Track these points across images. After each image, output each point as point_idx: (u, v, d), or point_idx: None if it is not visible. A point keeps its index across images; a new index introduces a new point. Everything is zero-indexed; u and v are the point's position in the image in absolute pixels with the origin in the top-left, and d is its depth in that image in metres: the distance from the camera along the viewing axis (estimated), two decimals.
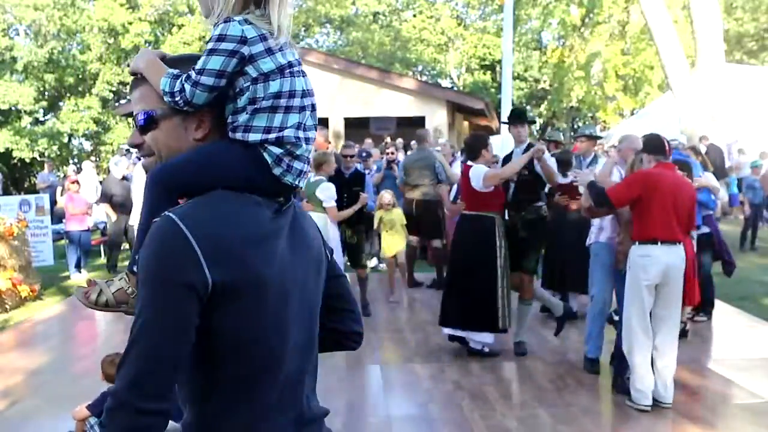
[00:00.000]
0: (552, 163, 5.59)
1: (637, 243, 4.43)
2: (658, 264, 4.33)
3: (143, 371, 1.17)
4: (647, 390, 4.41)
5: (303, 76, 1.35)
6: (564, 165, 6.25)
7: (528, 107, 34.33)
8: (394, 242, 7.69)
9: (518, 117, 5.78)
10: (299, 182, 1.36)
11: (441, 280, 7.91)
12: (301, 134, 1.34)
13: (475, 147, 5.64)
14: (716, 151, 13.66)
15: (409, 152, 10.32)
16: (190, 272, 1.18)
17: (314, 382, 1.45)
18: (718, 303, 6.93)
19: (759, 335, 6.31)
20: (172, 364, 1.19)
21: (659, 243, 4.33)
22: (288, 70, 1.32)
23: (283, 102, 1.31)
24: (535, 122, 5.86)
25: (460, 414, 4.45)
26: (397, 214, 7.69)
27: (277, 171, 1.32)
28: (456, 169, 8.18)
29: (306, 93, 1.35)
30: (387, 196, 7.67)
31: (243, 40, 1.28)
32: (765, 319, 6.78)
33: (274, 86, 1.30)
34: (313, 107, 1.37)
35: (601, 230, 5.18)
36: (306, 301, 1.37)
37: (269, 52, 1.29)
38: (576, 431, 4.18)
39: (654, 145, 4.54)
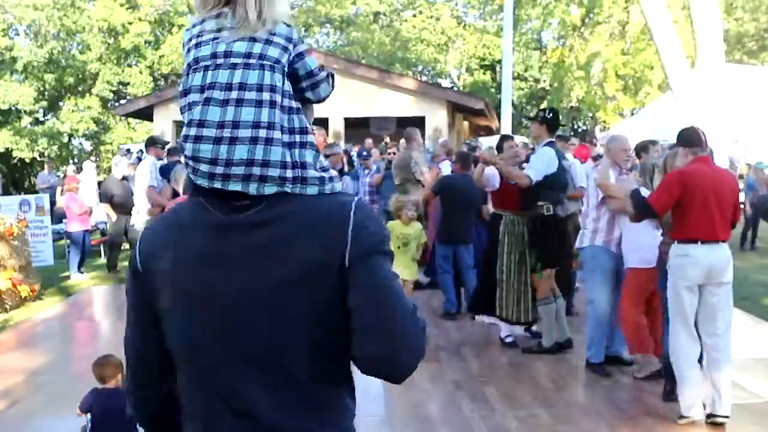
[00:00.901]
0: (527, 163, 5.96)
1: (676, 242, 4.18)
2: (698, 265, 4.07)
3: None
4: (697, 400, 4.14)
5: (208, 70, 1.26)
6: None
7: (528, 107, 34.35)
8: (407, 268, 5.91)
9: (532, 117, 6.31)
10: (215, 183, 1.24)
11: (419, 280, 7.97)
12: (191, 132, 1.25)
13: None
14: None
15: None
16: (132, 261, 1.37)
17: (280, 399, 1.27)
18: None
19: (759, 335, 6.31)
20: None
21: (699, 242, 4.07)
22: (193, 66, 1.29)
23: (183, 101, 1.30)
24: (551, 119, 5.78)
25: (460, 414, 4.45)
26: (416, 231, 6.00)
27: (191, 175, 1.28)
28: (446, 169, 8.17)
29: (207, 87, 1.26)
30: (409, 204, 6.07)
31: (186, 43, 1.34)
32: (765, 319, 6.78)
33: (181, 86, 1.31)
34: (239, 101, 1.23)
35: (595, 233, 5.11)
36: (260, 310, 1.24)
37: (188, 51, 1.30)
38: (576, 431, 4.18)
39: (689, 137, 4.33)
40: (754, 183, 11.65)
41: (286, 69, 1.30)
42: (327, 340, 1.27)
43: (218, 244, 1.26)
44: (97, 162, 24.54)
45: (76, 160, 25.95)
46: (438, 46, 35.11)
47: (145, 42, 28.28)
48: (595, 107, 25.88)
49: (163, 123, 18.98)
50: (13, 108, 24.80)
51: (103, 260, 10.75)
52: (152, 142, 8.42)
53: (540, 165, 5.48)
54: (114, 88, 28.13)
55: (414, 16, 35.62)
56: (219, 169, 1.23)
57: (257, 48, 1.27)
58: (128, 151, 16.60)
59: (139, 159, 11.42)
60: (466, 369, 5.35)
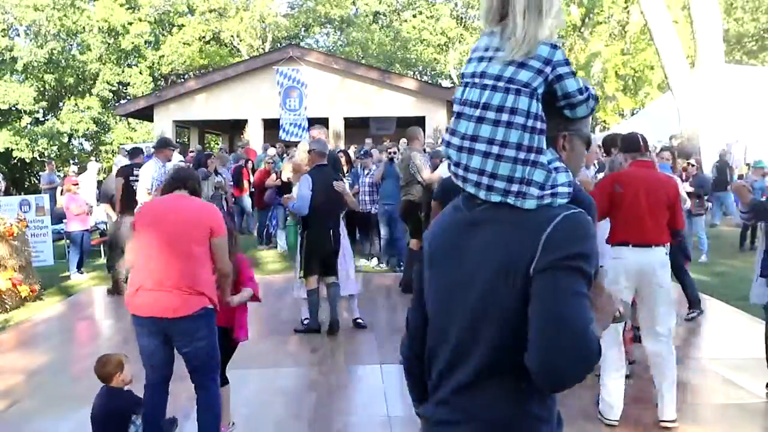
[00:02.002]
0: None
1: (611, 246, 4.16)
2: (628, 268, 4.04)
3: None
4: (614, 402, 4.13)
5: (467, 86, 1.49)
6: None
7: None
8: None
9: None
10: (458, 181, 1.51)
11: (409, 282, 7.96)
12: (454, 140, 1.49)
13: None
14: (694, 149, 13.74)
15: None
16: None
17: (460, 382, 1.45)
18: (717, 303, 6.93)
19: (758, 335, 6.29)
20: None
21: (630, 245, 4.04)
22: (461, 81, 1.53)
23: (455, 108, 1.53)
24: None
25: None
26: None
27: (453, 177, 1.53)
28: (441, 171, 8.16)
29: (462, 102, 1.49)
30: None
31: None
32: (762, 318, 6.78)
33: (455, 94, 1.54)
34: (480, 119, 1.45)
35: None
36: (464, 293, 1.45)
37: (467, 62, 1.52)
38: None
39: (627, 142, 4.35)
40: (753, 183, 11.64)
41: (538, 91, 1.44)
42: (507, 336, 1.38)
43: (457, 236, 1.50)
44: (98, 162, 24.52)
45: (76, 160, 25.96)
46: (438, 47, 35.11)
47: (145, 42, 28.29)
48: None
49: (163, 123, 18.98)
50: (13, 108, 24.81)
51: (103, 260, 10.75)
52: (165, 144, 8.24)
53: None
54: (114, 88, 28.13)
55: (414, 16, 35.62)
56: (460, 172, 1.49)
57: (508, 72, 1.43)
58: (135, 150, 16.56)
59: (148, 157, 11.41)
60: None
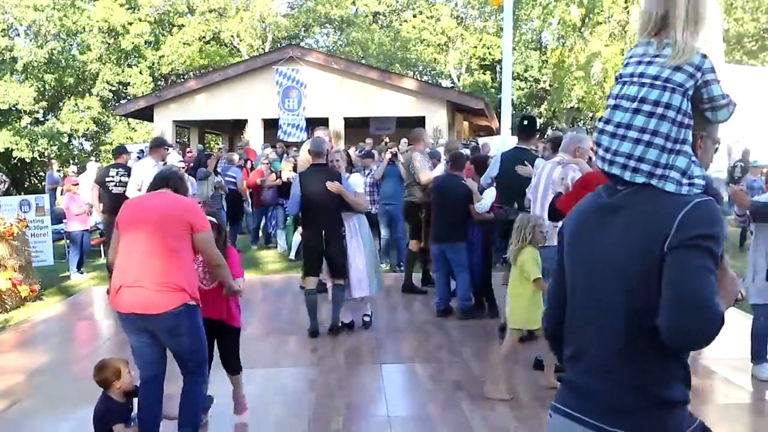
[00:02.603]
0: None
1: None
2: None
3: None
4: None
5: (625, 84, 1.73)
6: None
7: (528, 107, 34.34)
8: (523, 309, 4.69)
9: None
10: (604, 166, 1.72)
11: (409, 283, 8.01)
12: (608, 128, 1.72)
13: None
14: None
15: None
16: None
17: (604, 351, 1.63)
18: None
19: None
20: None
21: None
22: (619, 80, 1.78)
23: (610, 102, 1.77)
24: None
25: (460, 414, 4.45)
26: (530, 255, 4.64)
27: (598, 160, 1.76)
28: (437, 171, 8.18)
29: (619, 96, 1.73)
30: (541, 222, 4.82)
31: None
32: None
33: (611, 90, 1.79)
34: (635, 111, 1.68)
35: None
36: (604, 270, 1.65)
37: (625, 65, 1.78)
38: None
39: None
40: (753, 183, 11.64)
41: (689, 92, 1.68)
42: (642, 309, 1.57)
43: (598, 219, 1.71)
44: (98, 161, 24.51)
45: (76, 160, 25.96)
46: (438, 47, 35.11)
47: (145, 42, 28.29)
48: (595, 107, 25.87)
49: (163, 123, 18.98)
50: (13, 108, 24.80)
51: (102, 260, 10.75)
52: (160, 143, 8.26)
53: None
54: (114, 88, 28.12)
55: (414, 16, 35.61)
56: (608, 156, 1.71)
57: (665, 73, 1.67)
58: (117, 149, 16.57)
59: (139, 158, 11.40)
60: (466, 369, 5.35)
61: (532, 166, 5.92)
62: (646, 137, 1.65)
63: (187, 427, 3.65)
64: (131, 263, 3.52)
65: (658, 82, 1.67)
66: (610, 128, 1.72)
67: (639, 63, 1.73)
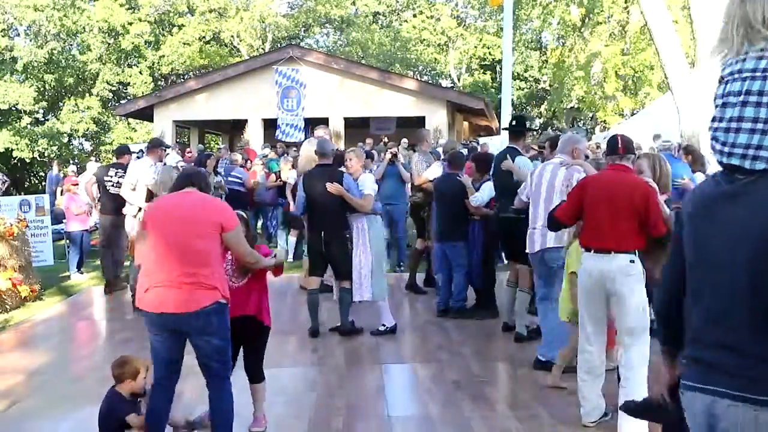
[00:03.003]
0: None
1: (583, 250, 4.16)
2: (589, 274, 3.99)
3: None
4: (589, 405, 4.11)
5: (728, 83, 1.81)
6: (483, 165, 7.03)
7: (528, 107, 34.34)
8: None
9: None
10: (722, 158, 1.77)
11: (412, 282, 8.02)
12: (721, 125, 1.79)
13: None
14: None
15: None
16: None
17: (734, 335, 1.69)
18: None
19: None
20: None
21: (592, 251, 3.98)
22: (722, 81, 1.85)
23: (717, 102, 1.86)
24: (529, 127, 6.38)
25: (460, 414, 4.45)
26: (574, 248, 4.46)
27: (713, 152, 1.83)
28: (435, 171, 8.15)
29: (725, 95, 1.81)
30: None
31: None
32: None
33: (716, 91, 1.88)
34: (743, 103, 1.74)
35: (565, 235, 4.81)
36: (732, 248, 1.71)
37: (722, 68, 1.86)
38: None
39: (608, 145, 4.30)
40: None
41: None
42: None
43: (718, 205, 1.78)
44: (98, 161, 24.53)
45: (76, 160, 25.95)
46: (438, 47, 35.12)
47: (145, 42, 28.29)
48: (595, 107, 25.89)
49: (164, 123, 18.97)
50: (13, 108, 24.79)
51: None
52: (157, 144, 8.30)
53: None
54: (114, 89, 28.12)
55: (414, 16, 35.62)
56: (726, 149, 1.76)
57: (762, 63, 1.74)
58: (120, 149, 16.58)
59: (139, 157, 11.40)
60: (466, 369, 5.35)
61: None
62: (759, 126, 1.72)
63: None
64: (161, 263, 3.51)
65: (758, 74, 1.75)
66: (723, 125, 1.79)
67: (736, 62, 1.82)
